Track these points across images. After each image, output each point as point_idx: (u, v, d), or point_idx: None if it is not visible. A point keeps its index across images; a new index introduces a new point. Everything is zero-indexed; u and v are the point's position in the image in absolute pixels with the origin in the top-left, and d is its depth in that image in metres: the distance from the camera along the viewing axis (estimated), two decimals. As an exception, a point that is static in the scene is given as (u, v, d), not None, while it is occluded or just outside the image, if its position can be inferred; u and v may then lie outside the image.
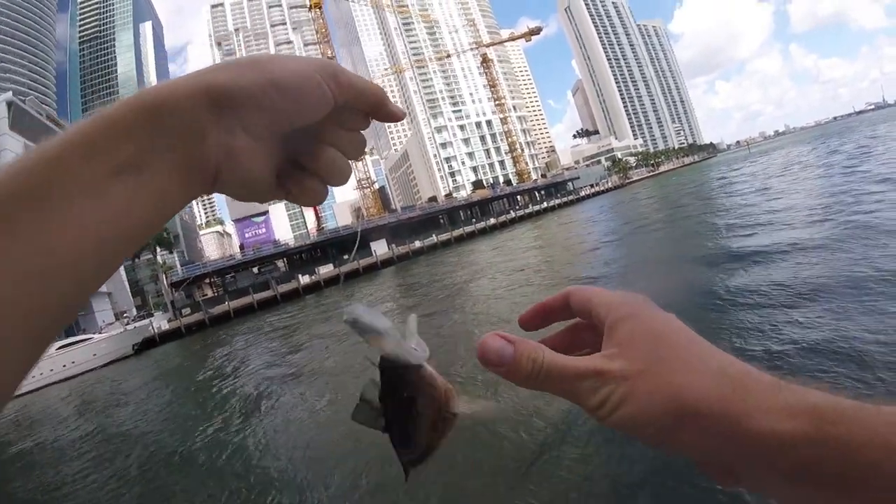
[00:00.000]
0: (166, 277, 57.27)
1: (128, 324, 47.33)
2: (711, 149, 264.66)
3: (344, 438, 8.36)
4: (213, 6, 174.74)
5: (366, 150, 0.55)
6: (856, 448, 0.32)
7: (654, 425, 0.40)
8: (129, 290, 74.89)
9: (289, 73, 0.44)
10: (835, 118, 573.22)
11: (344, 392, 11.29)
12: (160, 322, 45.13)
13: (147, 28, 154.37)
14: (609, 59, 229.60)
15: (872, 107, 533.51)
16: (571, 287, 0.52)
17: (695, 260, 15.75)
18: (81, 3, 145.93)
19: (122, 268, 75.61)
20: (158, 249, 64.07)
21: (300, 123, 0.46)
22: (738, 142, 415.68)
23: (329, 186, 0.53)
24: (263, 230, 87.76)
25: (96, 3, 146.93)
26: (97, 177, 0.37)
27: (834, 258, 11.35)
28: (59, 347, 32.63)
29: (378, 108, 0.51)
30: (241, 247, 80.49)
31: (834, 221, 15.53)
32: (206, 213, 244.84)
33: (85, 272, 0.37)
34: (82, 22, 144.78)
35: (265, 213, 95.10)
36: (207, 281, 60.30)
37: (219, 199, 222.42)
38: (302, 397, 12.45)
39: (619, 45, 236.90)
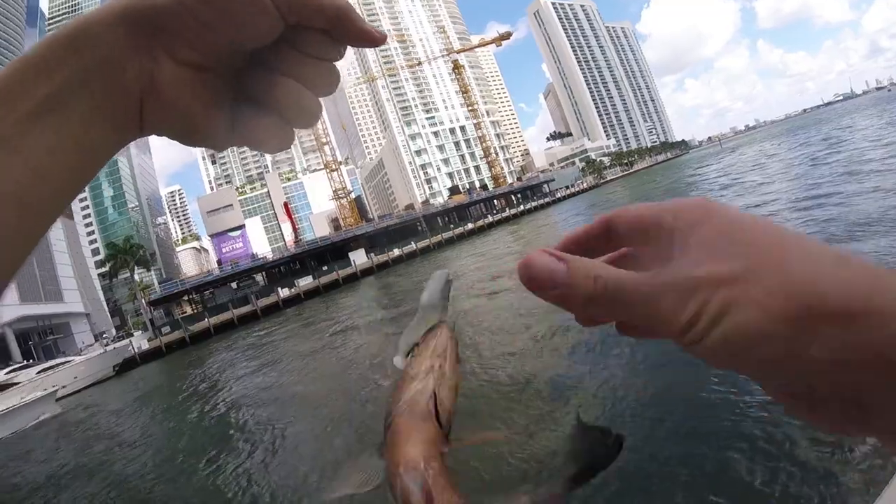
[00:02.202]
0: (144, 296, 57.05)
1: (107, 344, 47.13)
2: (683, 146, 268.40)
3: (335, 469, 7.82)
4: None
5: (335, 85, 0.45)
6: None
7: (773, 338, 0.28)
8: (107, 310, 74.29)
9: None
10: (804, 111, 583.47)
11: (332, 416, 10.75)
12: (140, 342, 44.97)
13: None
14: (579, 62, 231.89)
15: (841, 98, 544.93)
16: (608, 213, 0.41)
17: None
18: (50, 17, 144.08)
19: (99, 289, 75.05)
20: (136, 268, 63.64)
21: (241, 46, 0.40)
22: (709, 138, 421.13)
23: (295, 130, 0.45)
24: (240, 244, 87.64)
25: (65, 17, 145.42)
26: (11, 124, 0.34)
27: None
28: (40, 371, 31.93)
29: (342, 26, 0.41)
30: (219, 262, 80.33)
31: (804, 215, 16.29)
32: (182, 229, 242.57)
33: (10, 230, 0.34)
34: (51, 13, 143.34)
35: (241, 226, 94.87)
36: (186, 298, 60.13)
37: (195, 214, 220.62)
38: (288, 422, 11.50)
39: (588, 47, 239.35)
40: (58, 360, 35.29)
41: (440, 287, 0.44)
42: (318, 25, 0.40)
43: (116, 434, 17.18)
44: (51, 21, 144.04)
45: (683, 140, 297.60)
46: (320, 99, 0.44)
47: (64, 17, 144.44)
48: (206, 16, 0.37)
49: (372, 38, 0.42)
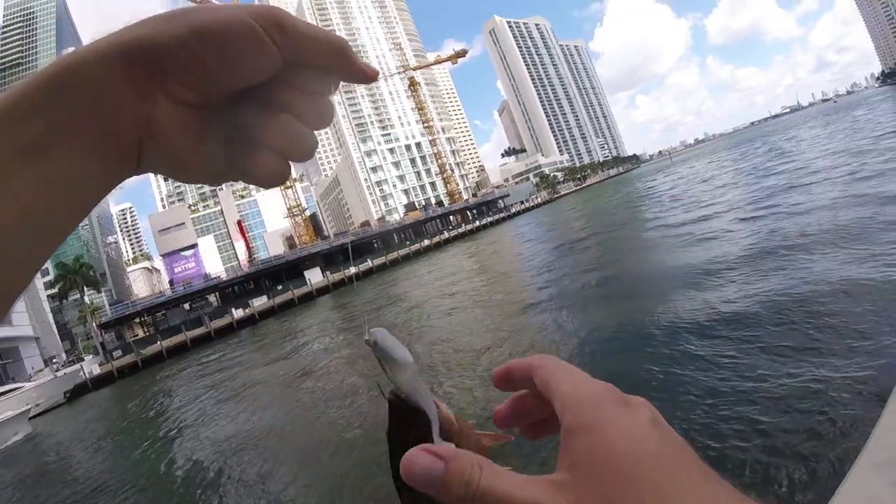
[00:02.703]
0: (95, 318, 56.05)
1: (57, 369, 46.06)
2: (635, 160, 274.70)
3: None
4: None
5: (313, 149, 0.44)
6: None
7: None
8: (56, 333, 72.40)
9: (214, 20, 0.36)
10: (752, 123, 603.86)
11: (292, 446, 10.90)
12: (91, 366, 44.12)
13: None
14: (533, 79, 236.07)
15: (788, 110, 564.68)
16: (536, 359, 0.44)
17: (622, 272, 17.57)
18: (3, 27, 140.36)
19: (49, 312, 73.19)
20: (86, 289, 62.42)
21: (238, 83, 0.39)
22: (659, 152, 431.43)
23: (290, 164, 0.44)
24: (193, 264, 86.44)
25: (18, 29, 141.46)
26: None
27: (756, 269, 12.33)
28: None
29: (340, 64, 0.40)
30: (171, 282, 79.13)
31: (747, 226, 17.59)
32: (133, 249, 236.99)
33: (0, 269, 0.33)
34: (3, 48, 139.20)
35: (194, 246, 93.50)
36: (138, 320, 59.23)
37: (146, 232, 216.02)
38: (248, 456, 11.22)
39: (542, 65, 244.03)
40: (7, 387, 34.03)
41: (397, 343, 0.47)
42: (315, 63, 0.40)
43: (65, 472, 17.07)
44: (4, 32, 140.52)
45: (635, 154, 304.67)
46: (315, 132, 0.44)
47: (17, 31, 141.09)
48: (205, 55, 0.36)
49: (366, 76, 0.42)
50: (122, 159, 0.38)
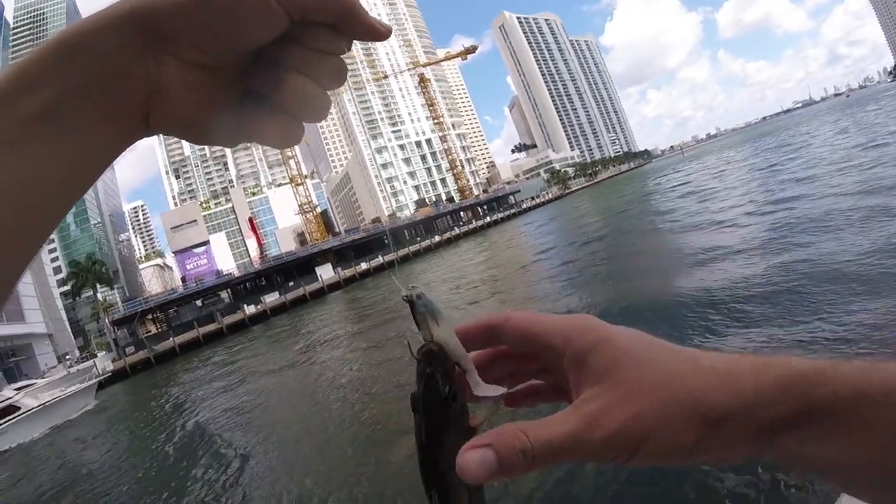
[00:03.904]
0: (108, 315, 56.23)
1: (71, 366, 46.18)
2: (646, 155, 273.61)
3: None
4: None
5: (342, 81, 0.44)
6: (837, 403, 0.35)
7: (679, 452, 0.38)
8: (70, 330, 72.84)
9: None
10: (764, 118, 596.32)
11: (314, 443, 10.52)
12: (104, 363, 44.25)
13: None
14: (543, 75, 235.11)
15: (800, 105, 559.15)
16: (492, 316, 0.47)
17: (634, 267, 17.24)
18: (14, 28, 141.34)
19: (62, 308, 73.61)
20: (98, 286, 62.68)
21: (247, 45, 0.39)
22: (671, 147, 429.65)
23: (303, 125, 0.44)
24: (205, 261, 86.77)
25: (28, 30, 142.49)
26: (12, 126, 0.34)
27: (776, 258, 12.25)
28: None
29: (349, 20, 0.40)
30: (183, 279, 79.60)
31: (761, 220, 17.32)
32: (145, 246, 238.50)
33: (11, 236, 0.34)
34: (14, 49, 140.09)
35: (206, 242, 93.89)
36: (150, 317, 59.26)
37: (158, 230, 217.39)
38: (264, 455, 10.96)
39: (552, 60, 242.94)
40: (21, 384, 33.35)
41: (431, 305, 0.44)
42: (323, 21, 0.39)
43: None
44: (15, 31, 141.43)
45: (646, 150, 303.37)
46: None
47: (27, 30, 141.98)
48: (210, 16, 0.36)
49: (377, 32, 0.41)
50: (132, 121, 0.39)
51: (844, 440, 0.35)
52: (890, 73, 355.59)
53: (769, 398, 0.36)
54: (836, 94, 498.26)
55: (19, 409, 28.18)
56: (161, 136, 0.43)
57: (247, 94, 0.42)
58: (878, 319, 7.33)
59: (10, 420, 27.33)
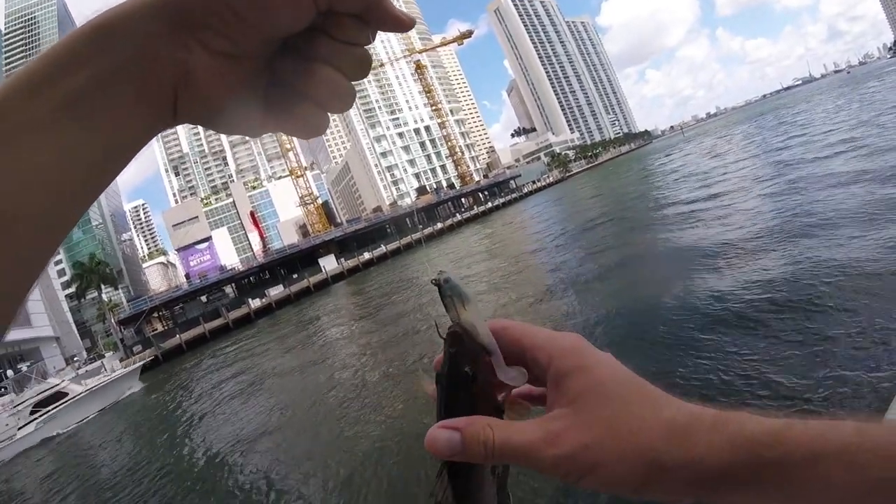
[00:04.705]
0: (113, 315, 56.23)
1: (79, 368, 46.23)
2: (647, 136, 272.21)
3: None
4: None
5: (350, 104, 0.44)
6: (787, 464, 0.37)
7: (623, 486, 0.41)
8: (76, 332, 72.99)
9: None
10: (764, 96, 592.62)
11: (324, 443, 10.35)
12: (112, 363, 44.26)
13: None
14: (541, 57, 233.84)
15: (800, 82, 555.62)
16: (497, 321, 0.50)
17: (642, 253, 16.98)
18: (6, 34, 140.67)
19: (68, 311, 73.75)
20: (103, 287, 62.66)
21: (274, 34, 0.39)
22: (671, 127, 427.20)
23: (327, 115, 0.45)
24: (208, 257, 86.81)
25: (20, 34, 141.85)
26: (43, 113, 0.34)
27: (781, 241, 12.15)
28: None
29: (374, 12, 0.40)
30: (187, 276, 79.65)
31: (760, 202, 17.19)
32: (148, 245, 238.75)
33: (41, 223, 0.35)
34: (7, 54, 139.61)
35: (208, 238, 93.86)
36: (156, 315, 59.16)
37: (160, 228, 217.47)
38: (278, 456, 10.81)
39: (549, 42, 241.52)
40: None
41: (459, 289, 0.47)
42: (350, 11, 0.40)
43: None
44: (7, 39, 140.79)
45: (646, 130, 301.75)
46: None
47: (20, 38, 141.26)
48: (239, 6, 0.37)
49: (402, 23, 0.42)
50: (161, 108, 0.39)
51: (794, 498, 0.37)
52: (890, 48, 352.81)
53: (718, 456, 0.38)
54: (836, 71, 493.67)
55: (67, 394, 29.82)
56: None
57: (272, 83, 0.43)
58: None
59: (58, 406, 28.96)
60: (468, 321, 0.45)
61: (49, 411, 28.64)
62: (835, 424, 0.38)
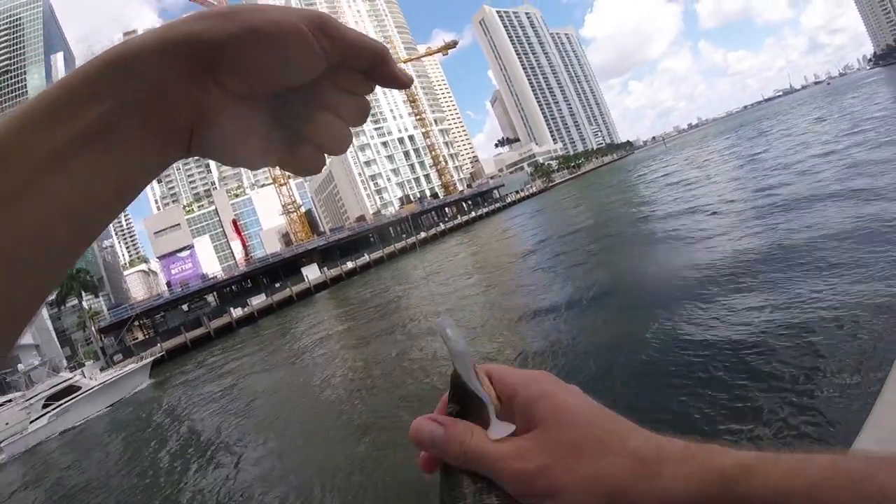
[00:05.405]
0: (94, 324, 55.86)
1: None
2: (629, 146, 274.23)
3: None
4: (127, 33, 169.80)
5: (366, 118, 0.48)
6: (755, 499, 0.34)
7: None
8: (56, 340, 72.24)
9: (270, 23, 0.39)
10: (745, 107, 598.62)
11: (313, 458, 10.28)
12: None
13: (59, 59, 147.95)
14: (525, 68, 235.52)
15: (780, 93, 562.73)
16: (480, 366, 0.52)
17: (616, 259, 17.88)
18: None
19: (48, 318, 72.99)
20: (84, 294, 62.11)
21: (286, 81, 0.41)
22: (653, 138, 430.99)
23: (324, 156, 0.48)
24: (190, 265, 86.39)
25: (5, 37, 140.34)
26: (60, 145, 0.34)
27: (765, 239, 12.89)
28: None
29: (377, 69, 0.44)
30: (169, 284, 79.01)
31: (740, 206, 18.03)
32: (129, 252, 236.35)
33: (55, 248, 0.35)
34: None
35: (190, 246, 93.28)
36: (137, 323, 58.73)
37: (142, 235, 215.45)
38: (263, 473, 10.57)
39: (533, 54, 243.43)
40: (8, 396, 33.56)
41: (457, 332, 0.48)
42: (355, 66, 0.43)
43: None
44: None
45: (629, 141, 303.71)
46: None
47: (4, 39, 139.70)
48: (259, 54, 0.38)
49: (401, 82, 0.45)
50: (175, 143, 0.40)
51: None
52: (869, 60, 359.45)
53: (685, 489, 0.38)
54: (816, 83, 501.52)
55: (79, 388, 30.77)
56: None
57: (279, 124, 0.44)
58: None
59: (72, 399, 29.85)
60: (462, 374, 0.48)
61: (62, 405, 29.35)
62: (808, 458, 0.37)
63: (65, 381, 31.08)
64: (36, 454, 24.92)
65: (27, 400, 29.70)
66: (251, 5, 0.40)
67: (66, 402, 29.52)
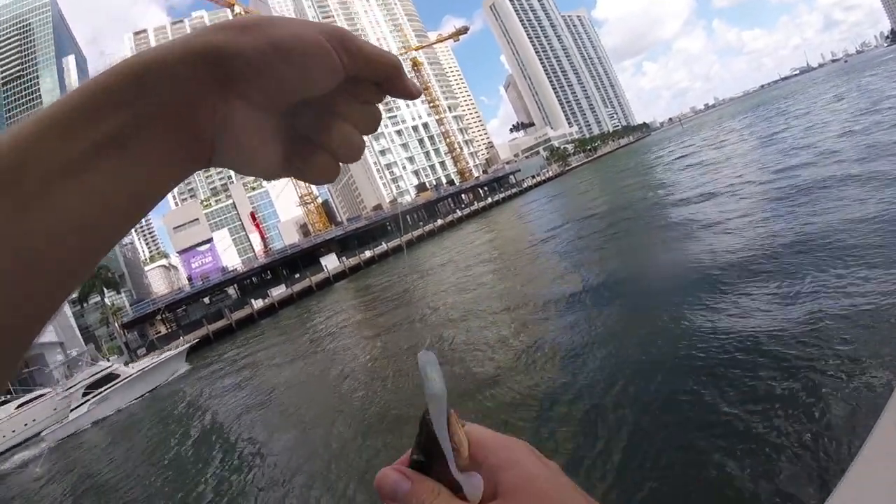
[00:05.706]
0: (117, 319, 56.30)
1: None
2: (645, 128, 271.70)
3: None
4: (137, 33, 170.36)
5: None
6: None
7: None
8: (80, 337, 72.93)
9: (292, 36, 0.40)
10: (762, 86, 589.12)
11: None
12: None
13: (70, 62, 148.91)
14: (537, 52, 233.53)
15: (797, 72, 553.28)
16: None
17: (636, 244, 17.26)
18: (1, 41, 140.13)
19: (71, 315, 73.74)
20: (106, 291, 62.62)
21: (307, 94, 0.42)
22: (669, 119, 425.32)
23: (339, 164, 0.48)
24: (209, 258, 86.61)
25: (16, 42, 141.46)
26: (77, 154, 0.34)
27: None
28: (19, 406, 32.00)
29: (391, 82, 0.46)
30: (189, 278, 79.58)
31: (766, 191, 17.08)
32: (149, 248, 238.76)
33: (70, 258, 0.34)
34: (2, 62, 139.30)
35: (209, 240, 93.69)
36: (159, 317, 59.17)
37: (161, 231, 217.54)
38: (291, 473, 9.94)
39: (545, 37, 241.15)
40: (36, 393, 34.23)
41: (437, 373, 0.49)
42: (372, 79, 0.45)
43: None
44: (1, 46, 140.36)
45: (645, 123, 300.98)
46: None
47: (15, 44, 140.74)
48: (280, 66, 0.39)
49: (411, 94, 0.47)
50: (197, 154, 0.40)
51: None
52: (887, 37, 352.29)
53: None
54: (833, 61, 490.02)
55: (118, 376, 31.67)
56: None
57: (296, 135, 0.46)
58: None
59: (111, 387, 30.66)
60: (431, 416, 0.47)
61: (101, 392, 30.07)
62: None
63: (104, 369, 31.88)
64: (77, 440, 25.34)
65: (67, 389, 30.57)
66: (271, 17, 0.41)
67: (105, 390, 30.22)
